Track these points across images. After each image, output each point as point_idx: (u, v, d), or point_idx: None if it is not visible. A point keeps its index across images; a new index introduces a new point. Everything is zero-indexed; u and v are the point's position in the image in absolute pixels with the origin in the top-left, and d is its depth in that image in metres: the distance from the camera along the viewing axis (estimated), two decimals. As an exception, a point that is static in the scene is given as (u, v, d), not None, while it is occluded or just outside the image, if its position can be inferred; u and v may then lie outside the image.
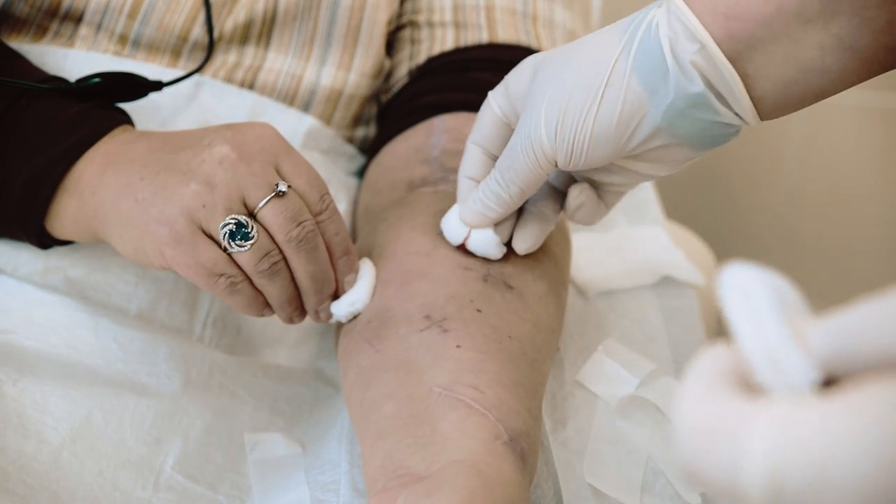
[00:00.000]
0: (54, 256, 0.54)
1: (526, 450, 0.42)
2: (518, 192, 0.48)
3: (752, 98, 0.42)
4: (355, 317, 0.51)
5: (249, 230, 0.47)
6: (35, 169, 0.50)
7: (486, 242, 0.50)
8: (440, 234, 0.51)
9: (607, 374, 0.53)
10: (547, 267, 0.52)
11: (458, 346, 0.45)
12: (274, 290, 0.49)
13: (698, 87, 0.42)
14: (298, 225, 0.48)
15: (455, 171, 0.56)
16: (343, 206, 0.63)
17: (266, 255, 0.47)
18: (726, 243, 1.46)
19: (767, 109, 0.43)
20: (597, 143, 0.44)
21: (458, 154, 0.57)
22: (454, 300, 0.47)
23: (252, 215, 0.47)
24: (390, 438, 0.42)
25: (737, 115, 0.43)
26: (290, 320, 0.51)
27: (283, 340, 0.61)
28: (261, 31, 0.61)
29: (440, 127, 0.60)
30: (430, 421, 0.42)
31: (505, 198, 0.48)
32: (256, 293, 0.49)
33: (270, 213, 0.47)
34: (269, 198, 0.47)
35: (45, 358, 0.51)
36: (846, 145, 1.41)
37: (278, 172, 0.48)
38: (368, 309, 0.50)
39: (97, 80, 0.54)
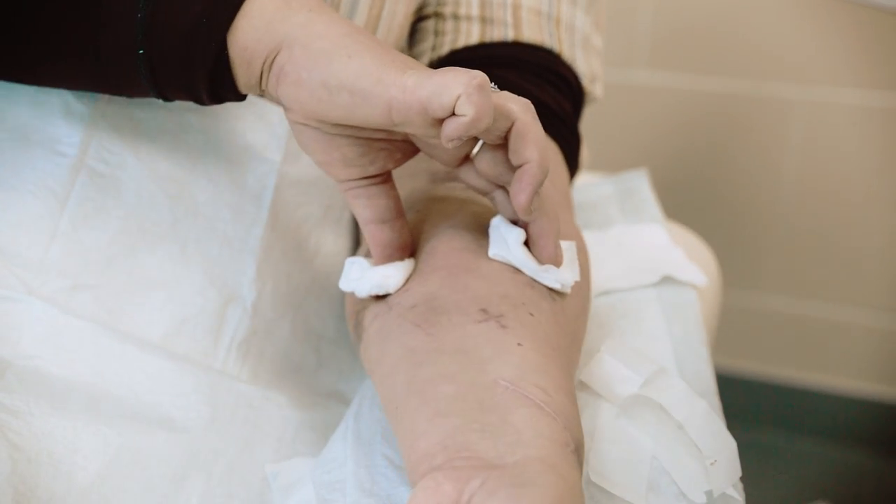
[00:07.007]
0: (84, 273, 0.52)
1: (582, 461, 0.42)
2: None
3: None
4: (378, 297, 0.49)
5: None
6: None
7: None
8: (482, 234, 0.50)
9: (611, 374, 0.53)
10: (581, 285, 0.52)
11: (519, 345, 0.44)
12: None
13: None
14: None
15: None
16: None
17: None
18: (726, 243, 1.46)
19: None
20: None
21: None
22: (507, 300, 0.46)
23: None
24: (453, 418, 0.40)
25: None
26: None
27: (304, 367, 0.60)
28: None
29: None
30: (498, 411, 0.40)
31: None
32: None
33: None
34: None
35: (74, 388, 0.50)
36: (846, 145, 1.41)
37: None
38: (411, 294, 0.48)
39: None
